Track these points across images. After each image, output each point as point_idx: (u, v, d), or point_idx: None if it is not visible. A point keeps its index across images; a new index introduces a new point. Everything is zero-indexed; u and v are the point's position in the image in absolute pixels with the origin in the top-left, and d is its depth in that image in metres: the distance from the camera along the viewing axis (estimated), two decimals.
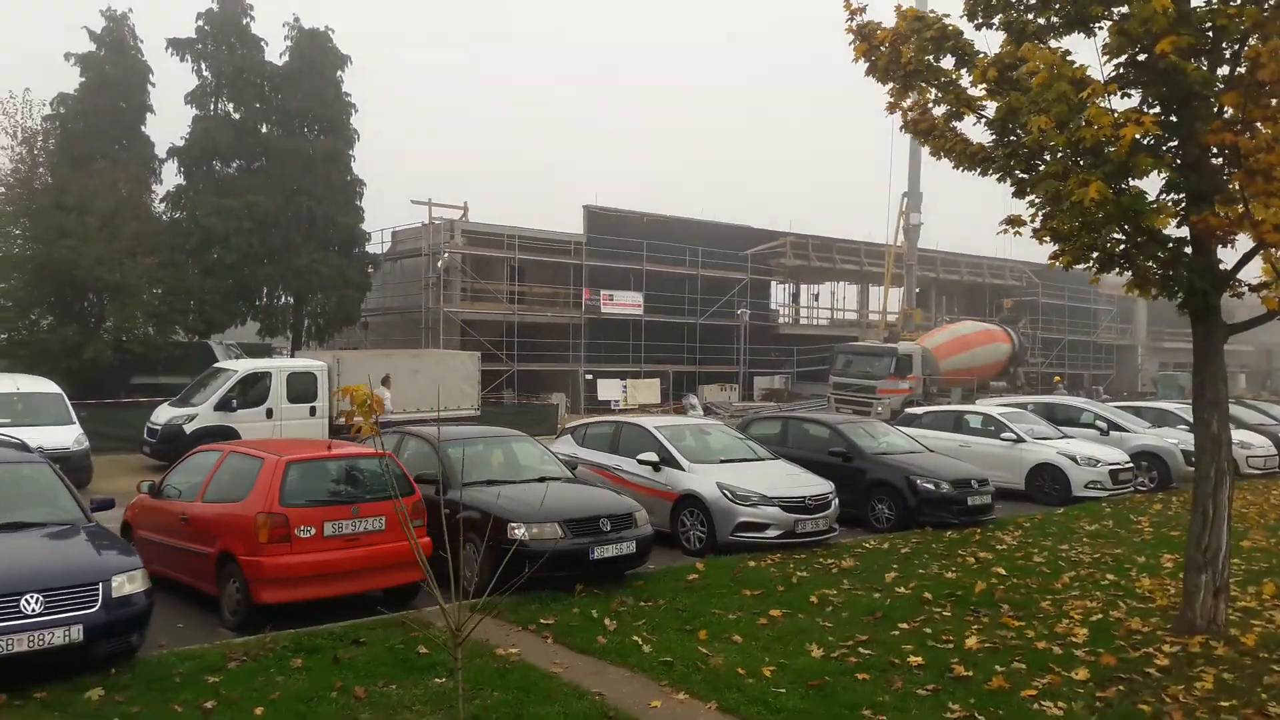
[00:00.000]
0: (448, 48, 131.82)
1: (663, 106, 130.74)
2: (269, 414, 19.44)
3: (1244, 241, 8.13)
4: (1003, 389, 35.92)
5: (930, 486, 12.56)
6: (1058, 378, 49.98)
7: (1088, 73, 7.88)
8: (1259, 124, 7.32)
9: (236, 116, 33.73)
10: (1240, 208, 7.57)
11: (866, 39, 9.73)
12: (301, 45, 34.40)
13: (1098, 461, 15.58)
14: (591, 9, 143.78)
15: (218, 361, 22.64)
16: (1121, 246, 8.59)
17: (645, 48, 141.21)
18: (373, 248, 39.14)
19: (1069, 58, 7.86)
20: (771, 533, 10.70)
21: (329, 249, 34.33)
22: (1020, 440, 16.19)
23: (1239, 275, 8.49)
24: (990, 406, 18.47)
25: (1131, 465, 16.17)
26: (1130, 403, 24.11)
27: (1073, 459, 15.63)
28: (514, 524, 8.47)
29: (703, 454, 11.85)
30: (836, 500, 11.47)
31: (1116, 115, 7.47)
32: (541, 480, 9.69)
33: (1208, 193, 8.03)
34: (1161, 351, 71.23)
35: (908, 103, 9.89)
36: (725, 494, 10.77)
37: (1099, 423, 17.89)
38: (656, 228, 42.31)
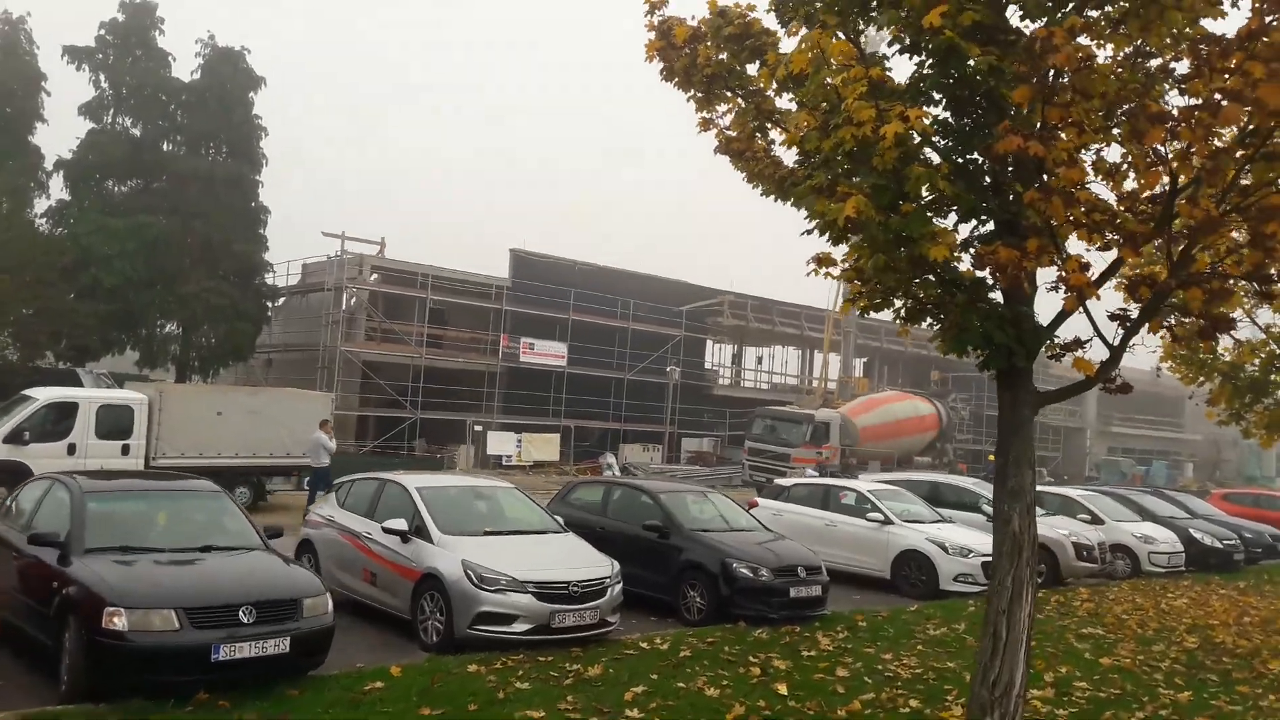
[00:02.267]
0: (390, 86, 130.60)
1: (607, 158, 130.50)
2: (70, 450, 17.27)
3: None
4: (926, 464, 34.23)
5: (747, 573, 10.65)
6: (991, 456, 48.42)
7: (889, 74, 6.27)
8: (1059, 129, 5.65)
9: (136, 132, 31.97)
10: (1037, 240, 5.87)
11: (664, 36, 8.11)
12: (213, 63, 32.86)
13: (969, 551, 13.72)
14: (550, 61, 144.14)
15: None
16: (936, 291, 6.83)
17: (599, 99, 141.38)
18: (281, 280, 37.23)
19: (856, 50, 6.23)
20: (519, 626, 8.71)
21: (224, 278, 32.38)
22: (888, 522, 14.33)
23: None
24: (864, 482, 16.64)
25: None
26: (1043, 488, 22.44)
27: (942, 547, 13.78)
28: (112, 608, 6.43)
29: (468, 523, 9.90)
30: (619, 586, 9.52)
31: (881, 109, 5.78)
32: (205, 550, 7.65)
33: (1015, 220, 6.37)
34: (1110, 435, 70.18)
35: (726, 119, 8.26)
36: (469, 575, 8.77)
37: (986, 507, 16.06)
38: (588, 277, 40.71)
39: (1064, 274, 5.84)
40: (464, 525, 9.77)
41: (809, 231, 6.70)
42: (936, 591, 13.59)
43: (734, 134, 8.14)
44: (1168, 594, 15.07)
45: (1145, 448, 70.46)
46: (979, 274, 6.44)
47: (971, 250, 6.31)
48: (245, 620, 6.77)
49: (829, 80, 6.20)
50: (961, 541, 13.89)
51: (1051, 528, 15.61)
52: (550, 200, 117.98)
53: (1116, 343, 6.49)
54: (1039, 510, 16.90)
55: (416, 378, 35.03)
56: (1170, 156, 5.82)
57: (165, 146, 32.52)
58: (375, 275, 36.56)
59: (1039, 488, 21.48)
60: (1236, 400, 12.67)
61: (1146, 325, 6.48)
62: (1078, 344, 6.56)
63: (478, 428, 29.14)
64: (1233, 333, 11.82)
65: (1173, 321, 6.89)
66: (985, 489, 16.79)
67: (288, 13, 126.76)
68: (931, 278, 6.52)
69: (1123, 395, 6.66)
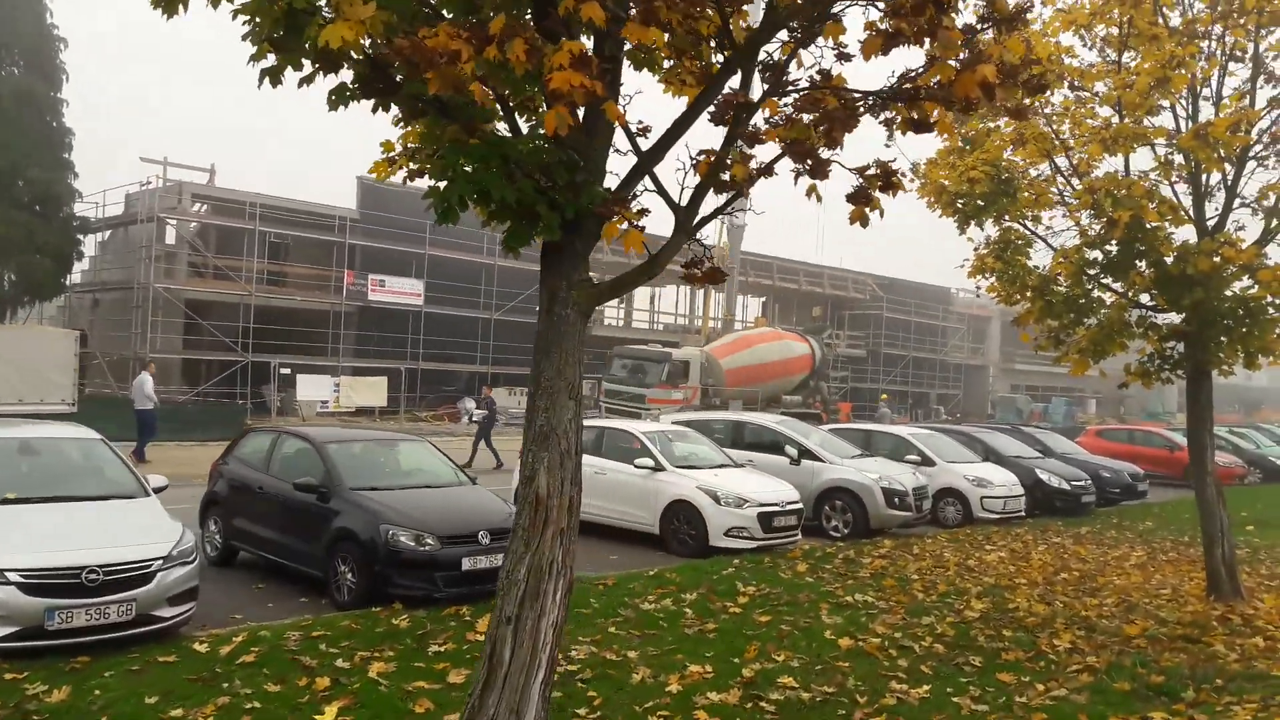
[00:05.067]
0: None
1: None
2: None
3: None
4: (797, 404, 32.42)
5: (408, 542, 8.25)
6: (884, 394, 47.16)
7: None
8: None
9: None
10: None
11: None
12: None
13: (744, 501, 11.57)
14: None
15: None
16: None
17: None
18: (98, 212, 33.36)
19: None
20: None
21: (19, 207, 28.61)
22: (658, 468, 12.09)
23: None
24: (643, 423, 14.41)
25: (798, 506, 12.23)
26: (872, 425, 20.63)
27: (714, 496, 11.60)
28: None
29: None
30: (185, 569, 7.00)
31: None
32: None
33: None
34: (1014, 373, 69.78)
35: None
36: None
37: (789, 448, 13.98)
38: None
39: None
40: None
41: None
42: (706, 548, 11.46)
43: None
44: (987, 545, 13.20)
45: (1050, 384, 70.19)
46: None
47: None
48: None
49: None
50: (737, 490, 11.71)
51: (859, 471, 13.60)
52: None
53: (686, 203, 4.16)
54: (849, 449, 15.04)
55: (248, 317, 31.76)
56: None
57: None
58: (202, 206, 32.98)
59: (892, 427, 19.65)
60: (1049, 318, 10.59)
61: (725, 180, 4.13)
62: (626, 209, 4.17)
63: (284, 370, 26.20)
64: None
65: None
66: (790, 429, 14.67)
67: None
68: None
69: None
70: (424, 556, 8.24)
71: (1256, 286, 9.30)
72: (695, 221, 4.38)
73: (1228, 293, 9.47)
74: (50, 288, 29.94)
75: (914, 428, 18.71)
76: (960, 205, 10.43)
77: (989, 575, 11.09)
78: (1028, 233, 10.76)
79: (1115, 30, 9.69)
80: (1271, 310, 9.19)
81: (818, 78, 4.09)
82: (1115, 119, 9.59)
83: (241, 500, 9.77)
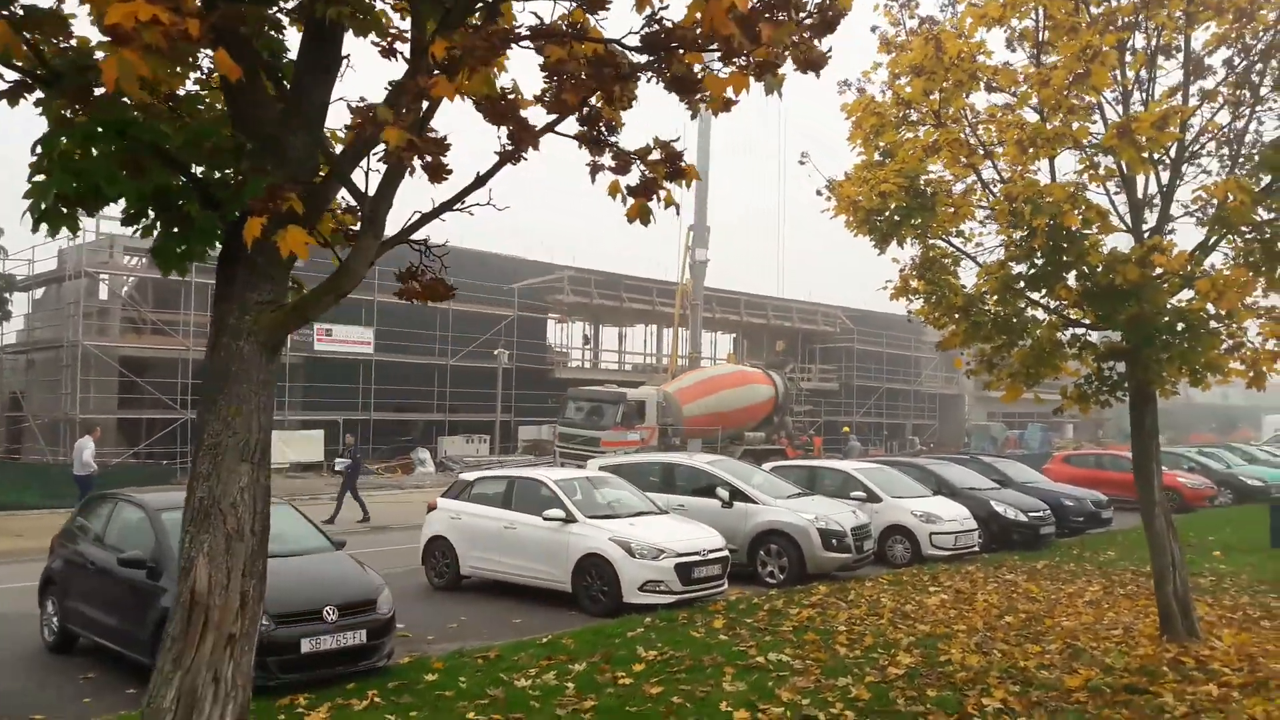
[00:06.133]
0: None
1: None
2: None
3: None
4: (759, 440, 31.45)
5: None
6: (845, 428, 46.26)
7: None
8: None
9: None
10: None
11: None
12: None
13: (660, 552, 10.55)
14: None
15: None
16: None
17: None
18: (26, 270, 32.24)
19: None
20: None
21: None
22: (569, 520, 11.06)
23: None
24: (557, 470, 13.42)
25: (722, 555, 11.22)
26: (815, 462, 19.72)
27: (627, 549, 10.57)
28: None
29: None
30: None
31: None
32: None
33: None
34: (989, 401, 68.98)
35: None
36: None
37: (720, 490, 12.99)
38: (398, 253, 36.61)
39: None
40: None
41: None
42: (620, 605, 10.41)
43: None
44: (931, 587, 12.19)
45: (1026, 411, 69.36)
46: None
47: None
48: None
49: None
50: (653, 540, 10.68)
51: (793, 512, 12.61)
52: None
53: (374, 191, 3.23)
54: (786, 488, 14.00)
55: (189, 374, 30.56)
56: None
57: None
58: (137, 259, 31.89)
59: (835, 462, 18.69)
60: (977, 340, 9.73)
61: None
62: (289, 199, 3.21)
63: None
64: None
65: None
66: (722, 470, 13.69)
67: None
68: None
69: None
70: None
71: (1195, 297, 8.48)
72: (414, 222, 3.46)
73: (1167, 306, 8.63)
74: None
75: (860, 462, 17.75)
76: (877, 222, 9.60)
77: (926, 622, 10.08)
78: (954, 249, 9.94)
79: (1030, 23, 8.97)
80: (1213, 323, 8.34)
81: (566, 28, 3.22)
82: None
83: (76, 577, 8.68)
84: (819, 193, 10.09)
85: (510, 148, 3.33)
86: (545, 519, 11.13)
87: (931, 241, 9.84)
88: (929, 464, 18.14)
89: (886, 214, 9.31)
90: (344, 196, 3.70)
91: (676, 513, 12.65)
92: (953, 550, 14.43)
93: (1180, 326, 8.47)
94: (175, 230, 3.17)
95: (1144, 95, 8.93)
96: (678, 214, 3.61)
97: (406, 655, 8.43)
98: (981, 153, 8.87)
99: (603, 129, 3.72)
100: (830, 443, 43.10)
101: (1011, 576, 13.31)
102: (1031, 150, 8.10)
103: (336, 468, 22.23)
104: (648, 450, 26.77)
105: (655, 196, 3.48)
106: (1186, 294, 8.70)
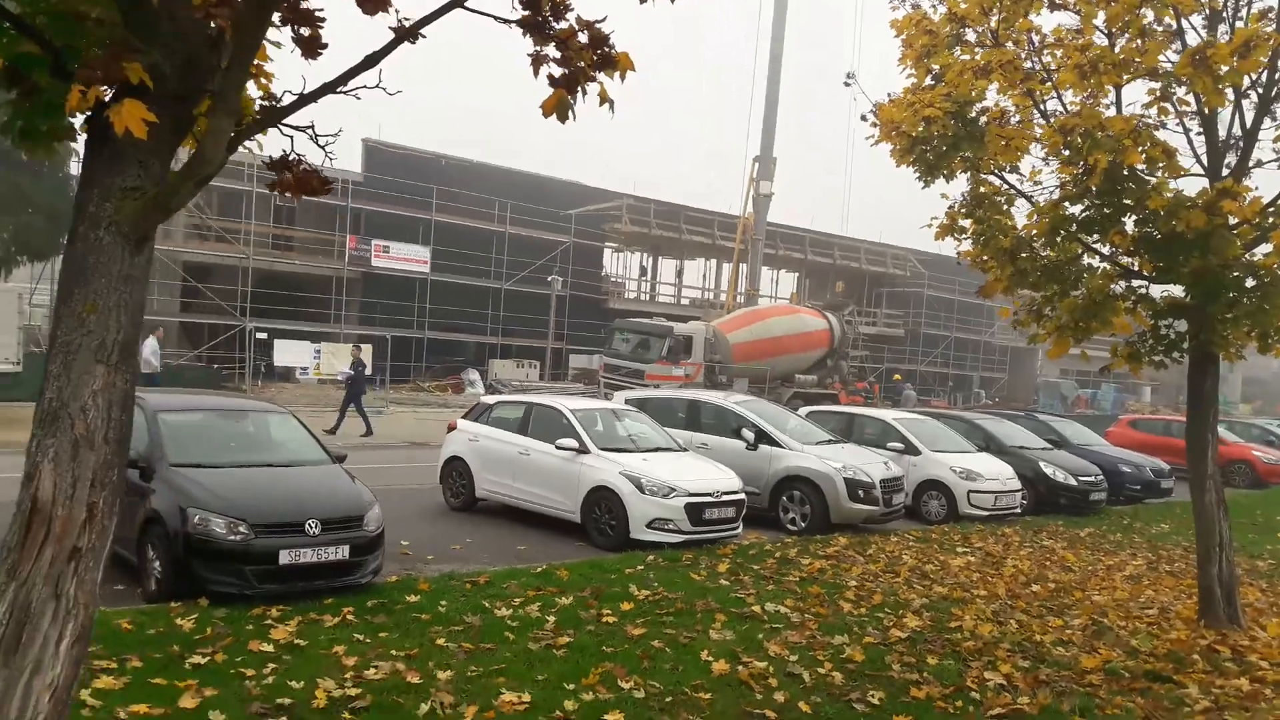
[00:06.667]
0: None
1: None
2: None
3: None
4: (811, 383, 30.69)
5: (219, 529, 7.06)
6: (897, 375, 44.99)
7: None
8: None
9: None
10: None
11: None
12: None
13: (671, 490, 10.16)
14: None
15: None
16: None
17: None
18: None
19: None
20: None
21: (12, 165, 28.04)
22: (583, 450, 10.74)
23: None
24: (577, 400, 13.06)
25: (738, 497, 10.79)
26: (854, 409, 19.02)
27: (637, 483, 10.21)
28: None
29: None
30: None
31: None
32: None
33: None
34: (1066, 358, 66.54)
35: None
36: None
37: (746, 432, 12.51)
38: (458, 174, 36.41)
39: None
40: None
41: None
42: (627, 540, 10.10)
43: None
44: (960, 547, 11.62)
45: (1138, 376, 66.60)
46: None
47: None
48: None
49: None
50: (665, 477, 10.30)
51: (820, 459, 12.09)
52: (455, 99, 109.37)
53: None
54: (819, 436, 13.43)
55: (246, 281, 31.02)
56: None
57: None
58: None
59: (877, 411, 18.00)
60: (1023, 286, 8.96)
61: None
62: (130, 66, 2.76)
63: (260, 335, 25.24)
64: None
65: None
66: (749, 410, 13.18)
67: None
68: None
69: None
70: (234, 546, 7.02)
71: (1270, 251, 7.59)
72: (290, 104, 3.00)
73: (1238, 259, 7.75)
74: (45, 247, 29.44)
75: (901, 412, 17.03)
76: (923, 152, 8.81)
77: (945, 584, 9.57)
78: (1008, 187, 9.11)
79: None
80: None
81: None
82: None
83: None
84: (864, 118, 9.32)
85: (410, 23, 2.85)
86: (559, 448, 10.82)
87: (983, 176, 9.04)
88: (978, 418, 17.35)
89: (934, 143, 8.54)
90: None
91: (699, 451, 12.25)
92: (991, 510, 13.77)
93: (1251, 283, 7.62)
94: (26, 104, 2.80)
95: (1231, 21, 7.92)
96: (611, 111, 3.09)
97: (395, 575, 8.25)
98: (1039, 79, 7.99)
99: (548, 13, 3.20)
100: (889, 391, 42.08)
101: (1050, 543, 12.64)
102: (1093, 77, 7.22)
103: (339, 379, 22.24)
104: (693, 387, 26.34)
105: (581, 90, 2.97)
106: (1264, 249, 7.83)
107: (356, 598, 7.38)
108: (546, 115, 3.03)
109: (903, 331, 52.13)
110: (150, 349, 19.59)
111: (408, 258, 34.16)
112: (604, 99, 3.05)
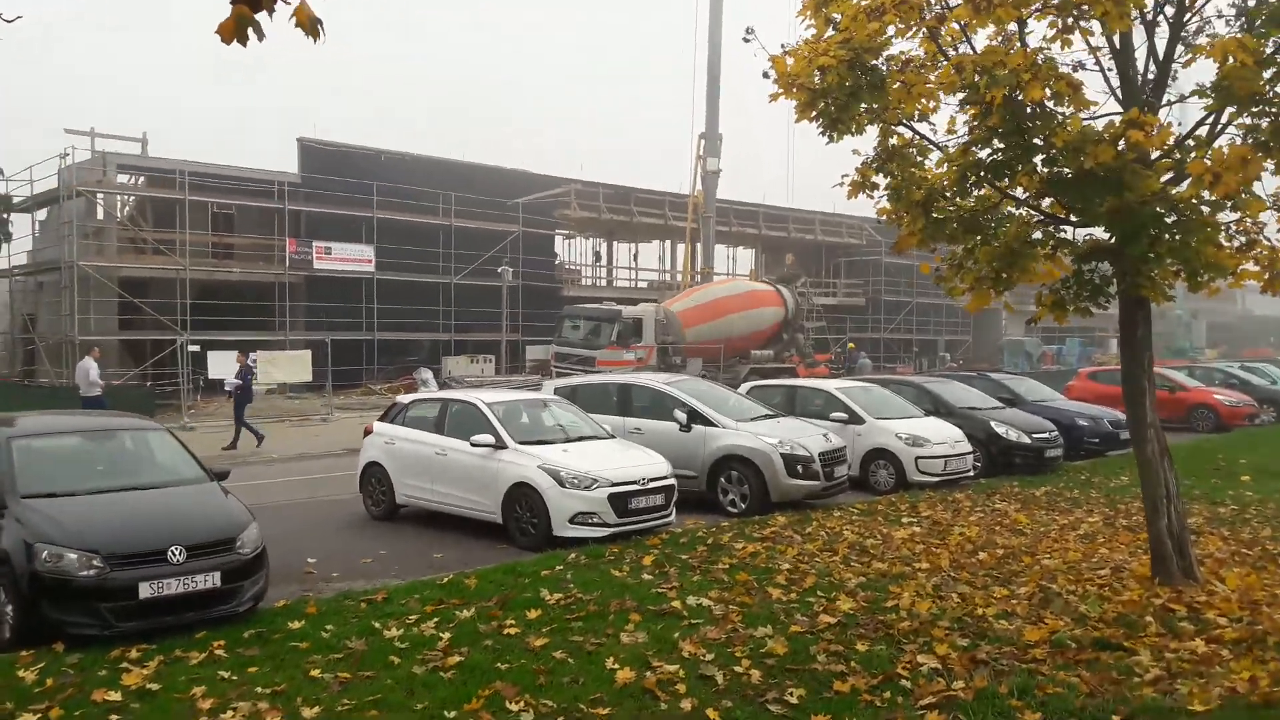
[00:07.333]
0: None
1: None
2: None
3: None
4: (768, 359, 30.24)
5: (70, 566, 6.41)
6: (851, 344, 44.64)
7: None
8: None
9: None
10: None
11: None
12: None
13: (593, 482, 9.61)
14: None
15: None
16: None
17: None
18: (33, 188, 31.52)
19: None
20: None
21: None
22: (499, 446, 10.15)
23: None
24: (492, 392, 12.48)
25: (667, 483, 10.26)
26: (794, 381, 18.54)
27: (556, 477, 9.64)
28: None
29: None
30: None
31: None
32: None
33: None
34: (1027, 314, 66.47)
35: None
36: None
37: (678, 413, 11.98)
38: (398, 169, 35.48)
39: None
40: None
41: None
42: (550, 538, 9.55)
43: None
44: (906, 517, 11.17)
45: (1067, 326, 66.86)
46: None
47: None
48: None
49: None
50: (584, 468, 9.74)
51: (755, 436, 11.59)
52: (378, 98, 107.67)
53: None
54: (756, 412, 12.83)
55: (189, 293, 29.99)
56: None
57: None
58: (134, 178, 31.16)
59: (816, 381, 17.49)
60: (938, 238, 8.45)
61: None
62: None
63: (193, 347, 24.32)
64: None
65: None
66: (680, 391, 12.64)
67: None
68: None
69: None
70: (87, 583, 6.38)
71: (1190, 183, 7.11)
72: None
73: (1154, 194, 7.27)
74: None
75: (846, 381, 16.57)
76: (825, 105, 8.25)
77: (885, 559, 9.09)
78: (919, 138, 8.58)
79: None
80: (1205, 211, 6.99)
81: None
82: None
83: None
84: (765, 75, 8.75)
85: None
86: (474, 445, 10.23)
87: (893, 128, 8.51)
88: (926, 382, 16.94)
89: (834, 95, 7.98)
90: None
91: (632, 437, 11.72)
92: (941, 475, 13.34)
93: (1172, 219, 7.16)
94: None
95: None
96: (315, 39, 2.49)
97: (285, 599, 7.63)
98: (938, 19, 7.45)
99: None
100: (844, 360, 41.68)
101: (1003, 505, 12.23)
102: (989, 11, 6.69)
103: (225, 388, 21.20)
104: (646, 370, 25.78)
105: (269, 8, 2.39)
106: (1186, 184, 7.36)
107: (232, 629, 6.76)
108: (227, 40, 2.45)
109: (864, 300, 51.83)
110: (90, 370, 18.61)
111: (351, 258, 33.30)
112: (304, 22, 2.47)
